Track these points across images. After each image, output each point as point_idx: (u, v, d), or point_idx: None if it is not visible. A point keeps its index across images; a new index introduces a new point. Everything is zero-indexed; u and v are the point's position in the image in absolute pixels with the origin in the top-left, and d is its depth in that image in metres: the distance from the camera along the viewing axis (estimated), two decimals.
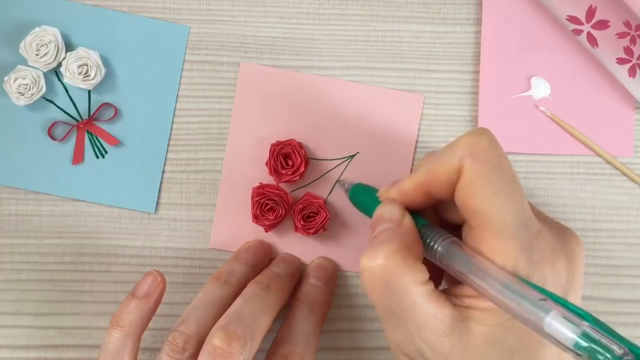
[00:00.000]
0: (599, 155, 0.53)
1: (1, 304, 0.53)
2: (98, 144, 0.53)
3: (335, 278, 0.52)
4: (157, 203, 0.53)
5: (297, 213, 0.51)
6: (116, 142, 0.52)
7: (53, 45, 0.51)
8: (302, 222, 0.51)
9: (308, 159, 0.52)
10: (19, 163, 0.52)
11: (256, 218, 0.51)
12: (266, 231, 0.52)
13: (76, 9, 0.52)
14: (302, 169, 0.51)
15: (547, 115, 0.53)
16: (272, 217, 0.51)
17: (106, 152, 0.53)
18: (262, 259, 0.52)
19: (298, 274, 0.52)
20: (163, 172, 0.53)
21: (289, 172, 0.51)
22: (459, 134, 0.53)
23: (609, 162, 0.53)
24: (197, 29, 0.53)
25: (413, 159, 0.53)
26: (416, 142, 0.53)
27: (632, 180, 0.53)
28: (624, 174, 0.53)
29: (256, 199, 0.51)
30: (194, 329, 0.46)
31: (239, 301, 0.47)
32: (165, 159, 0.53)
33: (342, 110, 0.53)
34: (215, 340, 0.44)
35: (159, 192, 0.53)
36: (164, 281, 0.48)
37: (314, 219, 0.51)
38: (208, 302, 0.48)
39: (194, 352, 0.45)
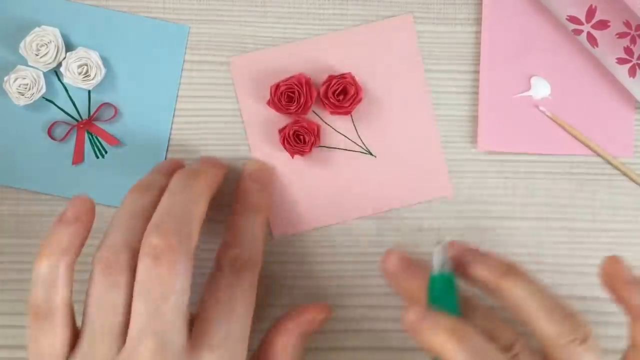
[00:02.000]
0: (599, 155, 0.53)
1: (1, 304, 0.53)
2: (98, 144, 0.53)
3: (271, 181, 0.51)
4: None
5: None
6: (116, 142, 0.52)
7: (53, 45, 0.51)
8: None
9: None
10: (19, 163, 0.52)
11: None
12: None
13: (76, 9, 0.52)
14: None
15: (547, 115, 0.53)
16: (293, 106, 0.51)
17: (106, 152, 0.53)
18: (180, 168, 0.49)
19: (224, 169, 0.50)
20: None
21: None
22: (459, 133, 0.53)
23: (609, 162, 0.53)
24: (197, 29, 0.53)
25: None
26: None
27: (632, 180, 0.53)
28: (624, 174, 0.53)
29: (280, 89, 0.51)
30: (121, 240, 0.42)
31: (165, 197, 0.43)
32: (165, 159, 0.53)
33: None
34: (152, 239, 0.41)
35: None
36: (93, 204, 0.45)
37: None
38: (131, 214, 0.44)
39: (130, 264, 0.42)
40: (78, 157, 0.53)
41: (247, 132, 0.53)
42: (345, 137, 0.53)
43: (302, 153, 0.51)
